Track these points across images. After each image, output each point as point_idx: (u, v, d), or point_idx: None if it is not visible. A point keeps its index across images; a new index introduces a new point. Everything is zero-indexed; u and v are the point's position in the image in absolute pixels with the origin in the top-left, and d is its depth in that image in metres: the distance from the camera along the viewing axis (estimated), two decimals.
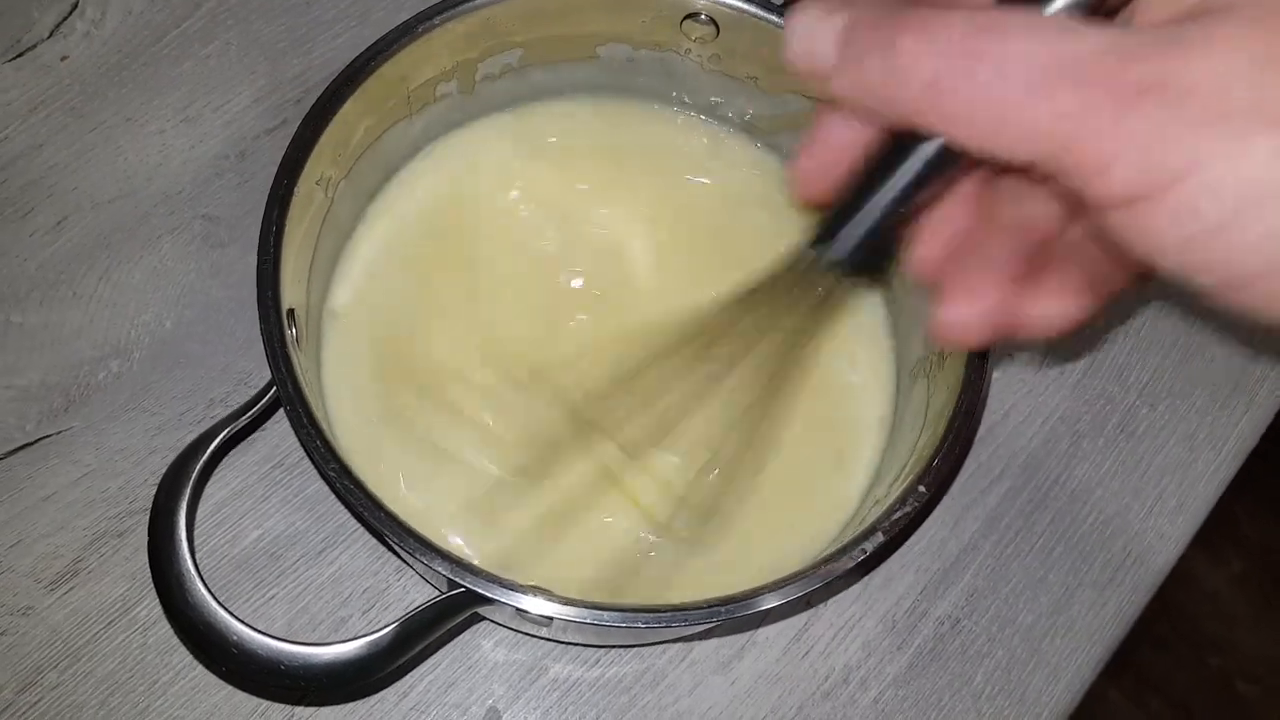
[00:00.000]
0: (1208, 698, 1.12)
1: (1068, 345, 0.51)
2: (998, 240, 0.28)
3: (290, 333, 0.35)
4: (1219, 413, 0.51)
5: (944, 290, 0.28)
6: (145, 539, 0.42)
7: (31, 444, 0.44)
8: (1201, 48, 0.21)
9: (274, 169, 0.36)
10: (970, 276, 0.28)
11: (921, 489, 0.35)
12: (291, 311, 0.36)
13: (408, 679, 0.42)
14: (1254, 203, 0.21)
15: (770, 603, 0.33)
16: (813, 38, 0.26)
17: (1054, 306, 0.27)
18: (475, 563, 0.32)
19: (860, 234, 0.28)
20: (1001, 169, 0.27)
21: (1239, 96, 0.21)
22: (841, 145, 0.28)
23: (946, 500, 0.48)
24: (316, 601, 0.43)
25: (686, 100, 0.46)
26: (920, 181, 0.27)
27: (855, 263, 0.29)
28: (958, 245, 0.29)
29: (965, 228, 0.29)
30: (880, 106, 0.25)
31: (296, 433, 0.33)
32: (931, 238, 0.29)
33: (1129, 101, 0.21)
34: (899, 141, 0.26)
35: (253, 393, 0.36)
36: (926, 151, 0.26)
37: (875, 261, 0.29)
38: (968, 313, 0.28)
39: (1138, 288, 0.30)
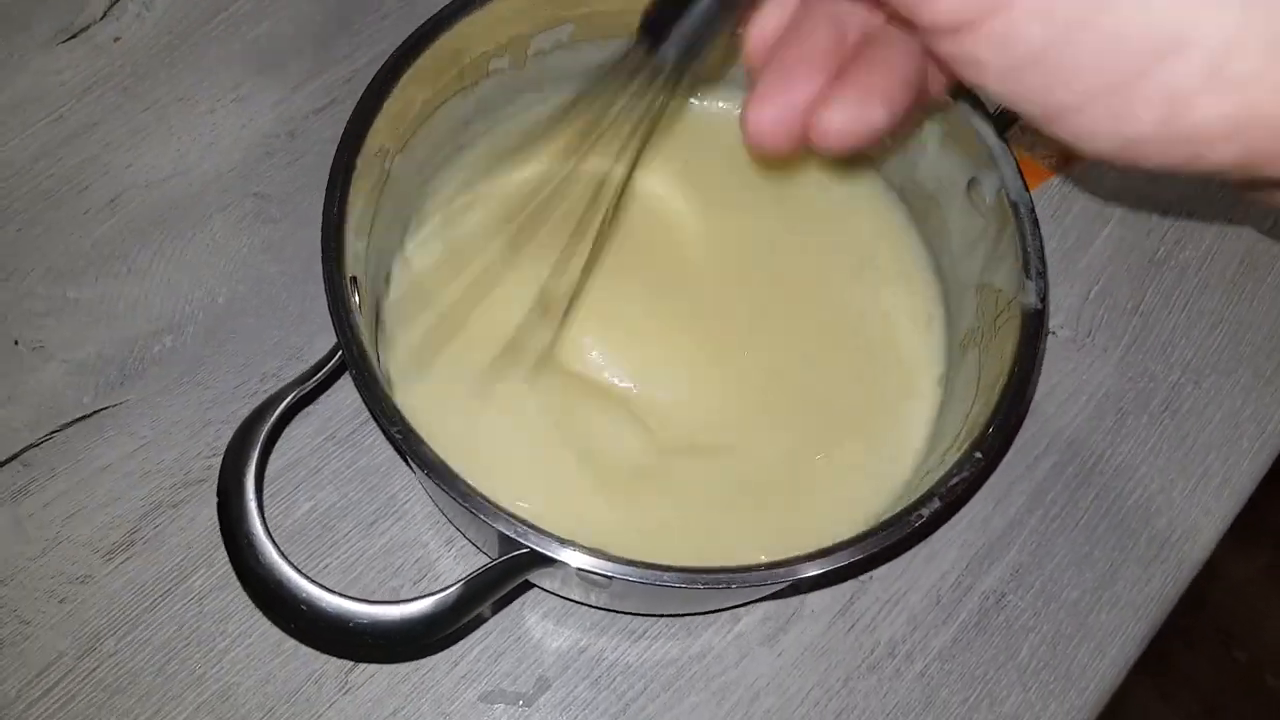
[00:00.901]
0: (1236, 691, 1.12)
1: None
2: (813, 34, 0.28)
3: (354, 299, 0.35)
4: (1264, 389, 0.51)
5: (755, 90, 0.28)
6: (200, 510, 0.43)
7: (88, 416, 0.45)
8: None
9: (324, 148, 0.37)
10: (779, 75, 0.28)
11: (978, 455, 0.35)
12: (354, 279, 0.36)
13: (459, 649, 0.43)
14: (1069, 31, 0.22)
15: (830, 565, 0.33)
16: None
17: (850, 113, 0.27)
18: (540, 524, 0.33)
19: (690, 29, 0.28)
20: None
21: None
22: None
23: (991, 477, 0.48)
24: (369, 571, 0.44)
25: (740, 77, 0.47)
26: None
27: (685, 61, 0.28)
28: (780, 39, 0.29)
29: (789, 19, 0.29)
30: None
31: (360, 393, 0.33)
32: (760, 29, 0.29)
33: None
34: None
35: (304, 367, 0.37)
36: None
37: (696, 56, 0.29)
38: (770, 114, 0.28)
39: (926, 106, 0.31)
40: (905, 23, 0.25)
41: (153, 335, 0.47)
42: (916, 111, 0.29)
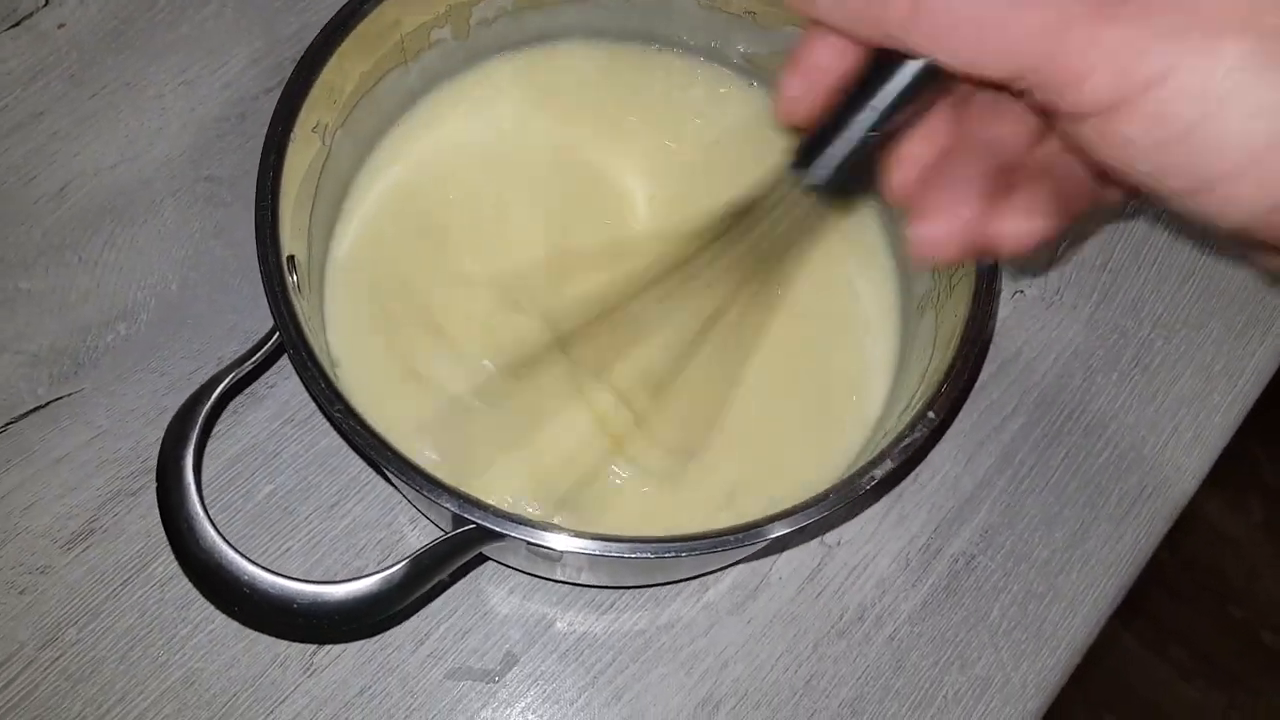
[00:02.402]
0: (1231, 648, 1.12)
1: (1046, 266, 0.51)
2: (969, 160, 0.29)
3: (291, 279, 0.35)
4: (1235, 343, 0.50)
5: (918, 209, 0.29)
6: None
7: (43, 407, 0.45)
8: None
9: None
10: (943, 195, 0.29)
11: (930, 415, 0.35)
12: (292, 258, 0.36)
13: (424, 625, 0.42)
14: (1218, 108, 0.23)
15: (779, 530, 0.33)
16: None
17: (1022, 224, 0.28)
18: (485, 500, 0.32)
19: (840, 156, 0.29)
20: (977, 86, 0.28)
21: (1207, 7, 0.22)
22: (823, 68, 0.29)
23: (959, 437, 0.47)
24: (331, 553, 0.43)
25: (684, 40, 0.46)
26: (899, 103, 0.28)
27: (833, 185, 0.30)
28: (932, 166, 0.30)
29: (939, 149, 0.30)
30: (863, 27, 0.26)
31: (299, 374, 0.33)
32: (907, 159, 0.30)
33: (1105, 14, 0.23)
34: (879, 63, 0.27)
35: None
36: (906, 72, 0.27)
37: (853, 183, 0.30)
38: (941, 230, 0.28)
39: (1099, 210, 0.31)
40: (1048, 113, 0.26)
41: (106, 324, 0.46)
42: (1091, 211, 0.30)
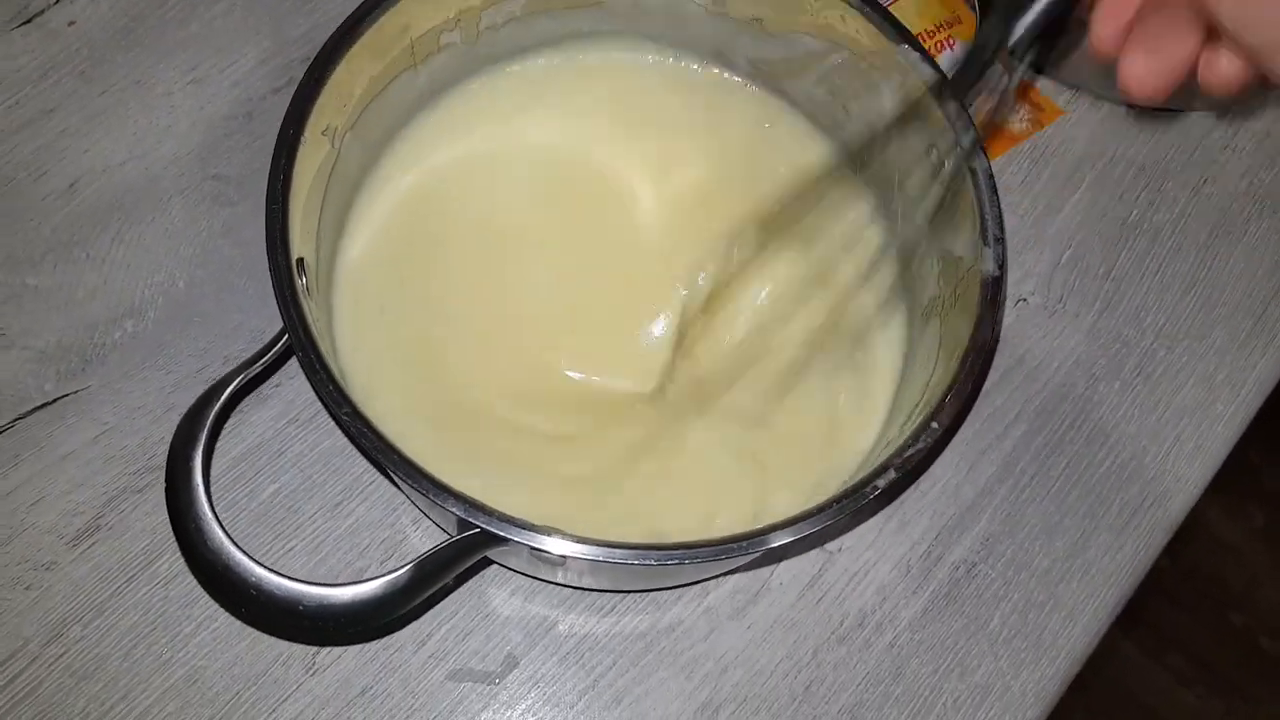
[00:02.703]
0: (1230, 655, 1.12)
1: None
2: (1176, 4, 0.30)
3: (300, 281, 0.35)
4: (1238, 353, 0.50)
5: (1129, 48, 0.30)
6: (164, 495, 0.43)
7: (50, 403, 0.45)
8: None
9: None
10: (1154, 33, 0.30)
11: (934, 425, 0.35)
12: (301, 261, 0.36)
13: (425, 627, 0.43)
14: None
15: (781, 539, 0.33)
16: None
17: (1231, 67, 0.30)
18: (490, 504, 0.33)
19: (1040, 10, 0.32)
20: None
21: None
22: None
23: (962, 445, 0.47)
24: (335, 553, 0.44)
25: (692, 45, 0.46)
26: None
27: (1029, 44, 0.33)
28: (1137, 16, 0.31)
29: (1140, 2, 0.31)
30: None
31: (308, 377, 0.33)
32: (1111, 11, 0.31)
33: None
34: None
35: None
36: None
37: (1051, 34, 0.33)
38: (1155, 64, 0.30)
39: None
40: None
41: (113, 321, 0.46)
42: None
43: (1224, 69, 0.30)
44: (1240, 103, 0.53)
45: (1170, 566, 0.47)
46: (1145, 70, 0.30)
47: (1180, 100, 0.52)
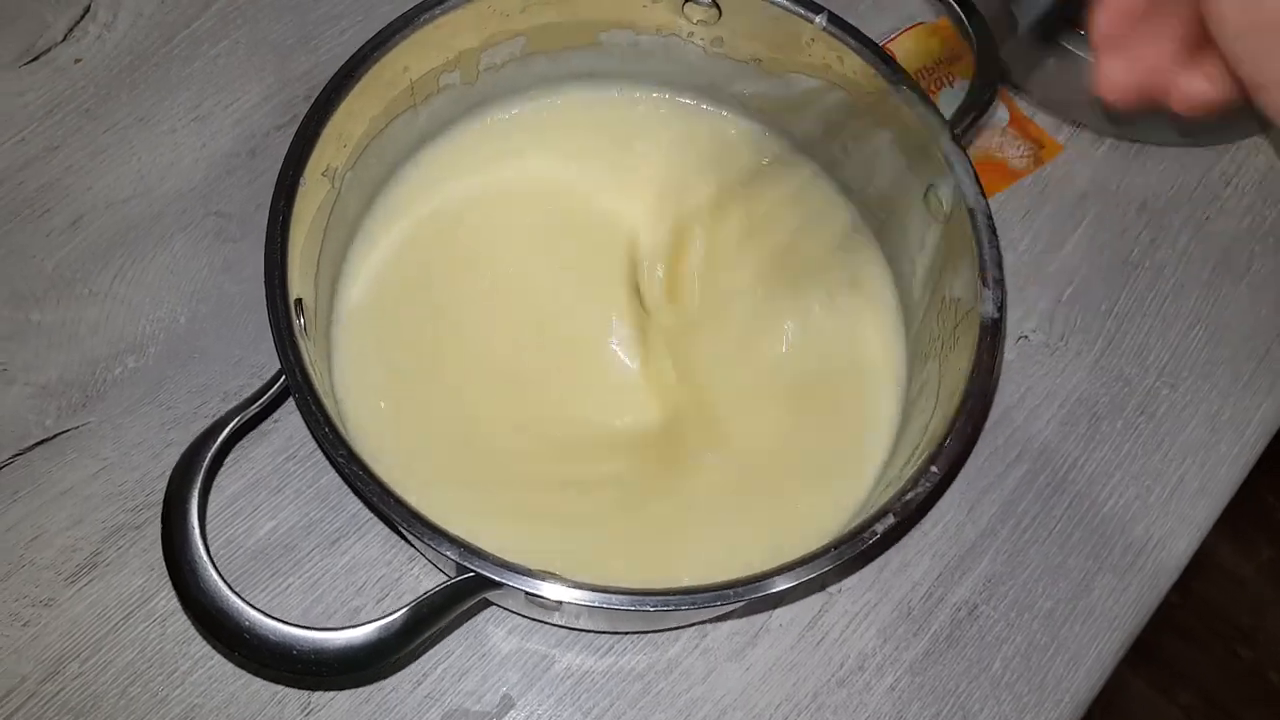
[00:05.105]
0: (1239, 690, 1.10)
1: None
2: (1172, 11, 0.30)
3: (299, 322, 0.35)
4: (1242, 393, 0.50)
5: (1109, 47, 0.31)
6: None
7: (50, 439, 0.45)
8: None
9: None
10: (1136, 38, 0.30)
11: (933, 470, 0.35)
12: (299, 301, 0.36)
13: (421, 666, 0.42)
14: None
15: (779, 585, 0.33)
16: None
17: (1201, 84, 0.30)
18: (484, 548, 0.32)
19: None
20: None
21: None
22: None
23: (962, 485, 0.47)
24: (331, 591, 0.43)
25: (690, 85, 0.46)
26: None
27: (1046, 25, 0.33)
28: (1137, 14, 0.30)
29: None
30: None
31: (305, 419, 0.33)
32: (1114, 4, 0.31)
33: None
34: None
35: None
36: None
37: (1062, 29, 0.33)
38: (1124, 69, 0.30)
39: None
40: None
41: (114, 357, 0.47)
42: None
43: (1196, 89, 0.30)
44: (1204, 134, 0.53)
45: (1179, 601, 0.47)
46: (1124, 63, 0.30)
47: (1146, 126, 0.52)
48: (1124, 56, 0.31)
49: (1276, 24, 0.25)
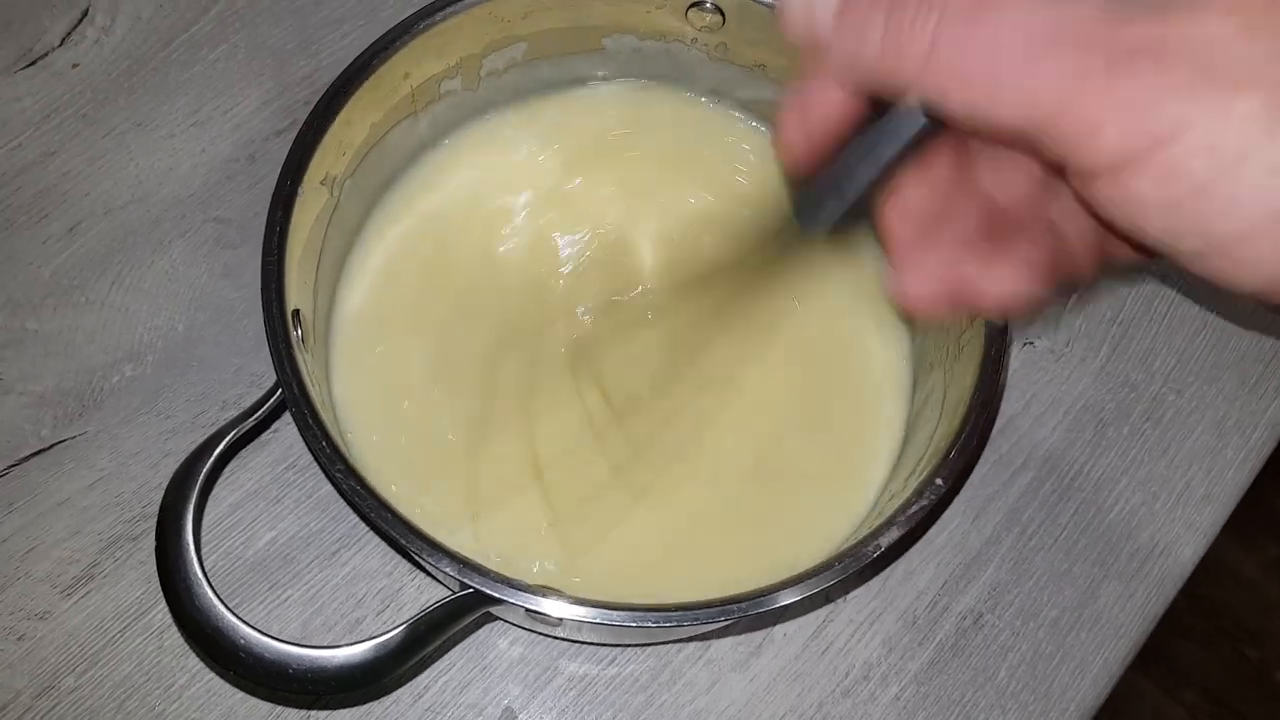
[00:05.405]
0: (1246, 690, 1.10)
1: (1051, 324, 0.50)
2: (965, 210, 0.28)
3: (295, 333, 0.35)
4: (1248, 397, 0.49)
5: (899, 259, 0.28)
6: None
7: (46, 449, 0.45)
8: (1190, 13, 0.22)
9: None
10: (927, 248, 0.28)
11: (938, 482, 0.34)
12: (297, 312, 0.35)
13: (422, 679, 0.42)
14: (1233, 165, 0.22)
15: (782, 600, 0.32)
16: (812, 6, 0.26)
17: (1007, 285, 0.27)
18: (485, 564, 0.32)
19: (838, 210, 0.28)
20: (986, 141, 0.27)
21: (1224, 59, 0.21)
22: (824, 114, 0.27)
23: (967, 493, 0.47)
24: (331, 603, 0.43)
25: (695, 90, 0.46)
26: (902, 155, 0.27)
27: (832, 232, 0.29)
28: (928, 213, 0.28)
29: (937, 195, 0.28)
30: (876, 76, 0.25)
31: (302, 433, 0.33)
32: (902, 206, 0.28)
33: (1120, 64, 0.22)
34: (882, 112, 0.26)
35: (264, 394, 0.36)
36: (911, 124, 0.26)
37: (851, 225, 0.29)
38: (918, 284, 0.28)
39: (1109, 270, 0.30)
40: (1055, 170, 0.25)
41: (111, 366, 0.46)
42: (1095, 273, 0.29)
43: (1003, 288, 0.27)
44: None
45: (1184, 601, 0.46)
46: (918, 273, 0.28)
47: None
48: (919, 266, 0.28)
49: (1198, 190, 0.22)
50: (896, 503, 0.35)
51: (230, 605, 0.32)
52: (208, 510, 0.44)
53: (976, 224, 0.28)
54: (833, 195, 0.28)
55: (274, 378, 0.43)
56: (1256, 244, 0.22)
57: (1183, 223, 0.23)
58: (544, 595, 0.32)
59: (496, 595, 0.31)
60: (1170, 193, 0.22)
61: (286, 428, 0.45)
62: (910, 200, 0.28)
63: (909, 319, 0.37)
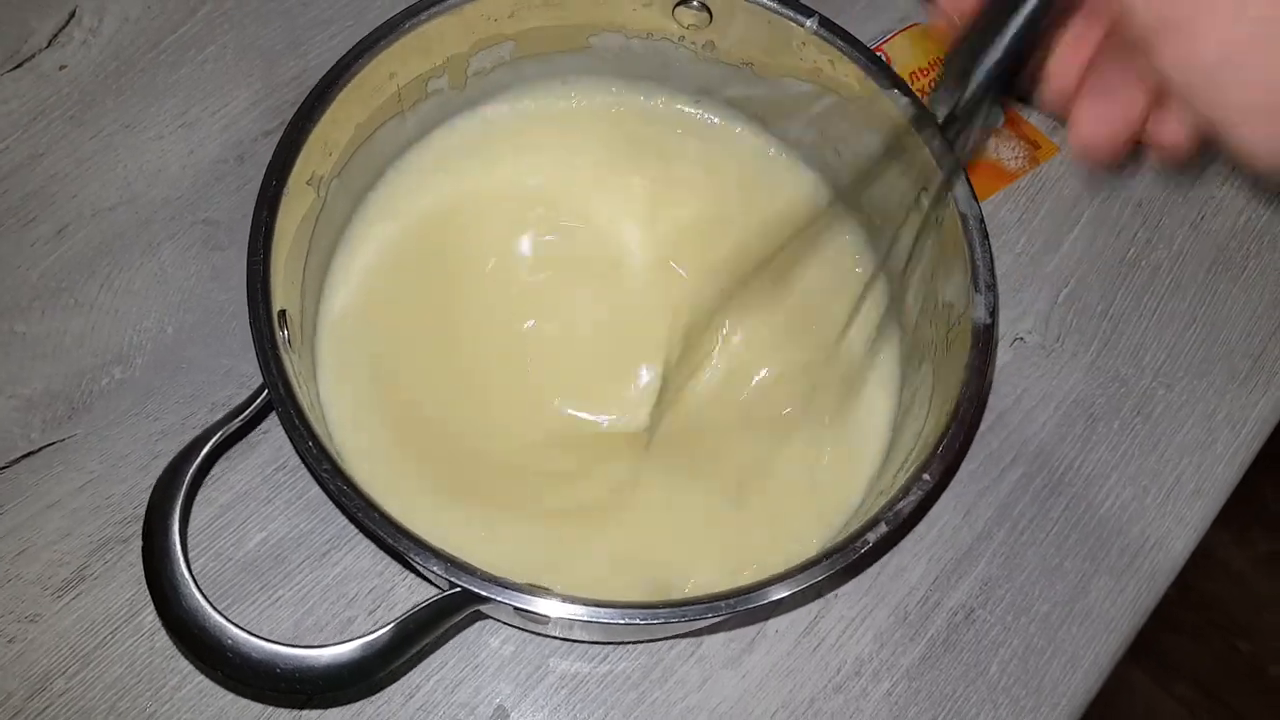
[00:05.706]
0: (1238, 683, 1.10)
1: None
2: (1123, 62, 0.30)
3: (282, 334, 0.35)
4: (1238, 391, 0.49)
5: (1078, 105, 0.30)
6: None
7: (36, 452, 0.45)
8: None
9: None
10: (1103, 95, 0.30)
11: (926, 477, 0.34)
12: (283, 313, 0.35)
13: (414, 678, 0.42)
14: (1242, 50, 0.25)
15: (772, 596, 0.32)
16: None
17: (1175, 134, 0.30)
18: (472, 562, 0.32)
19: (996, 59, 0.31)
20: None
21: None
22: None
23: (958, 488, 0.47)
24: (322, 603, 0.43)
25: (682, 88, 0.46)
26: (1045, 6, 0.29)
27: (992, 89, 0.31)
28: (1087, 71, 0.30)
29: (1089, 53, 0.30)
30: None
31: (288, 433, 0.33)
32: (1060, 66, 0.31)
33: None
34: None
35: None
36: None
37: (1008, 85, 0.32)
38: (1102, 123, 0.30)
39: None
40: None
41: (100, 368, 0.46)
42: None
43: (1174, 130, 0.30)
44: (1189, 170, 0.53)
45: (1175, 594, 0.46)
46: (1096, 119, 0.30)
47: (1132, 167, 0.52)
48: (1095, 107, 0.30)
49: (1222, 60, 0.26)
50: (885, 498, 0.35)
51: (219, 606, 0.32)
52: (198, 511, 0.44)
53: (1137, 71, 0.29)
54: (987, 53, 0.30)
55: (257, 385, 0.43)
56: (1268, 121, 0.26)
57: (1209, 94, 0.26)
58: (532, 593, 0.32)
59: (484, 594, 0.31)
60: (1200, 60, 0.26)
61: (276, 429, 0.45)
62: (1066, 58, 0.30)
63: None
